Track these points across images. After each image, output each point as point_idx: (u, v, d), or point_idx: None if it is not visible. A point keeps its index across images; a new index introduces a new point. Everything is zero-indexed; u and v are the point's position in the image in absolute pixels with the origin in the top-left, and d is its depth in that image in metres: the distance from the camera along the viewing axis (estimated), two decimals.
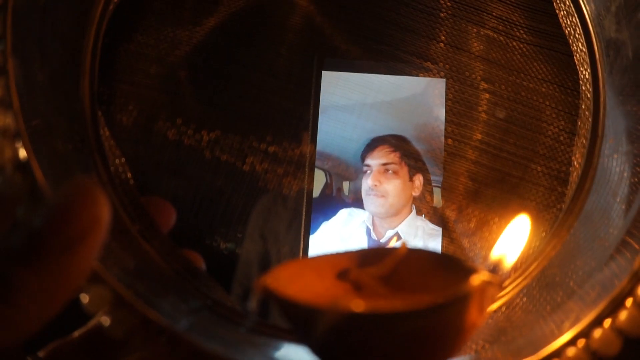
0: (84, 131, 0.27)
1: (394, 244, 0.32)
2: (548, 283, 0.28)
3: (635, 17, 0.25)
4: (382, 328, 0.16)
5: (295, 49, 0.30)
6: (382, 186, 0.32)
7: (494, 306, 0.28)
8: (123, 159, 0.28)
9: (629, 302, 0.20)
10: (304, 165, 0.30)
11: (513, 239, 0.23)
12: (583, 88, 0.30)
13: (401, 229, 0.32)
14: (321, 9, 0.30)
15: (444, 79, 0.31)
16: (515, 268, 0.29)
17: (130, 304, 0.20)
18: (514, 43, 0.31)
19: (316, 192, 0.32)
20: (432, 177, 0.32)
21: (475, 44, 0.31)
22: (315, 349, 0.18)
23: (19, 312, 0.15)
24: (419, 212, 0.32)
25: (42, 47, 0.24)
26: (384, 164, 0.32)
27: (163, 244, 0.27)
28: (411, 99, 0.32)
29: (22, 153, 0.19)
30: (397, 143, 0.32)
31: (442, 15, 0.31)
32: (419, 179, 0.32)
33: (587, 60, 0.30)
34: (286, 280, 0.21)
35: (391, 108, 0.32)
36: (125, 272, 0.23)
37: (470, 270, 0.21)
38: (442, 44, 0.31)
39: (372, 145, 0.33)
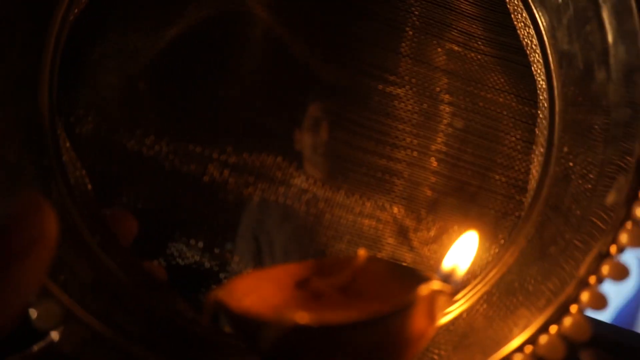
0: (42, 142, 0.27)
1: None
2: (507, 289, 0.28)
3: (584, 29, 0.26)
4: (328, 339, 0.16)
5: (256, 60, 0.30)
6: None
7: (454, 314, 0.28)
8: (83, 171, 0.28)
9: (573, 308, 0.21)
10: (264, 176, 0.30)
11: (463, 252, 0.24)
12: (540, 98, 0.31)
13: None
14: (282, 21, 0.30)
15: None
16: (474, 275, 0.29)
17: (81, 318, 0.19)
18: (472, 54, 0.31)
19: None
20: None
21: (435, 56, 0.31)
22: None
23: None
24: None
25: None
26: None
27: (123, 257, 0.27)
28: None
29: None
30: None
31: (405, 28, 0.31)
32: None
33: (544, 70, 0.30)
34: (243, 292, 0.21)
35: None
36: (81, 285, 0.22)
37: (424, 280, 0.21)
38: (402, 56, 0.31)
39: None
